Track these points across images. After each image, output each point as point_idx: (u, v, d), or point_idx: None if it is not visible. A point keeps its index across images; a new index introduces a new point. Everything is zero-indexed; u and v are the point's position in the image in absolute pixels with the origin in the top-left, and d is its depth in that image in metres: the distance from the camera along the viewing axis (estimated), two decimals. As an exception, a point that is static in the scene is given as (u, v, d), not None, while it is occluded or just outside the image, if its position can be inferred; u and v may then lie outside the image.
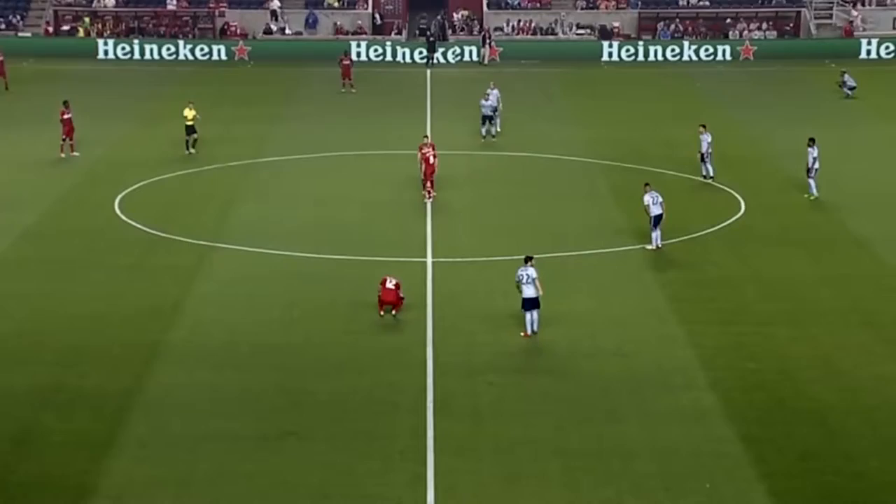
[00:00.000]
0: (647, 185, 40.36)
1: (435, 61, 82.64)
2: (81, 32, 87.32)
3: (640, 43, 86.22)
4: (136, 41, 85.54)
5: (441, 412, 27.88)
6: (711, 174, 48.00)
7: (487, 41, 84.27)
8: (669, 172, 50.04)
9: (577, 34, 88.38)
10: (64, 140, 52.42)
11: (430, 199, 44.45)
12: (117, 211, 44.36)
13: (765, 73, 76.30)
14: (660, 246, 39.58)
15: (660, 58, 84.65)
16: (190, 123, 52.44)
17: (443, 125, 59.51)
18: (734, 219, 43.84)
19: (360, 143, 56.64)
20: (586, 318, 33.97)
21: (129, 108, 65.12)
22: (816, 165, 45.52)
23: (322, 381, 29.74)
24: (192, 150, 52.59)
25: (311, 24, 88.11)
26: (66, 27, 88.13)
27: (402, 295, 33.79)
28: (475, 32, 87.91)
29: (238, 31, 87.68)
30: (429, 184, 45.24)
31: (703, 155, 47.97)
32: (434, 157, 45.46)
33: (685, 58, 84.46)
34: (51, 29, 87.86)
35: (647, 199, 39.57)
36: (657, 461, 25.78)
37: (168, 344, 32.00)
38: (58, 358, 31.04)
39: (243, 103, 67.41)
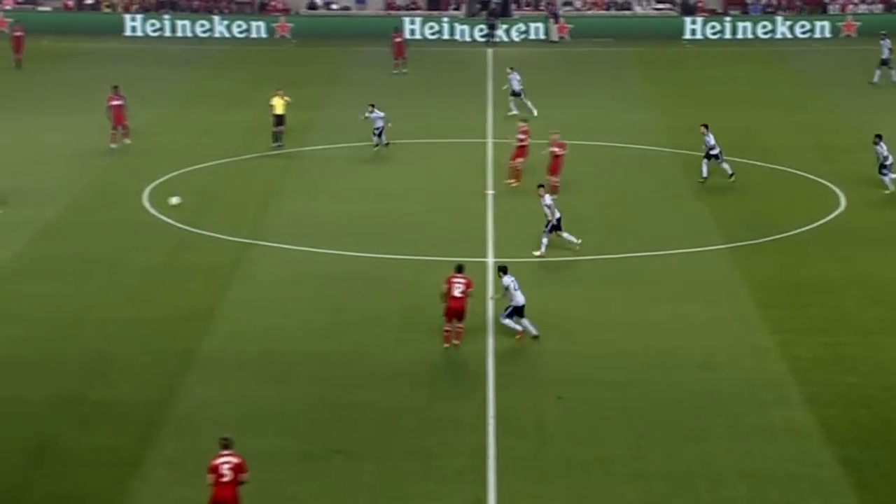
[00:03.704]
0: (541, 186, 39.89)
1: (496, 39, 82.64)
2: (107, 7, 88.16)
3: (728, 19, 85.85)
4: (166, 17, 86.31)
5: (503, 429, 27.82)
6: (705, 175, 46.84)
7: (556, 17, 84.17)
8: (758, 164, 49.75)
9: (657, 9, 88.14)
10: (115, 129, 52.76)
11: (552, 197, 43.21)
12: (146, 204, 44.71)
13: (870, 51, 75.50)
14: (544, 253, 38.94)
15: (749, 35, 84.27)
16: (280, 113, 52.25)
17: (505, 112, 59.47)
18: (833, 215, 43.53)
19: (413, 130, 56.67)
20: (666, 326, 33.80)
21: (158, 91, 65.60)
22: (890, 161, 45.24)
23: (371, 395, 29.77)
24: (280, 143, 52.60)
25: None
26: (89, 1, 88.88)
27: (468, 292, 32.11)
28: (542, 7, 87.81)
29: (280, 6, 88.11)
30: (554, 179, 44.61)
31: (711, 155, 46.78)
32: (559, 148, 45.21)
33: (778, 35, 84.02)
34: (72, 3, 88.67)
35: (549, 200, 39.05)
36: (747, 485, 25.57)
37: (202, 352, 32.17)
38: (80, 367, 31.27)
39: (285, 86, 67.60)
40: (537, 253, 38.79)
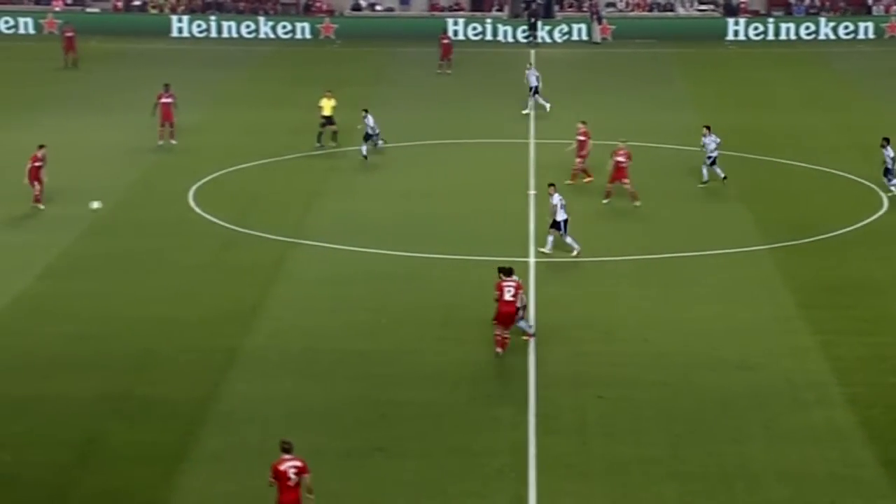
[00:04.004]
0: (551, 185, 39.55)
1: (538, 40, 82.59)
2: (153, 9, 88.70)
3: (771, 20, 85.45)
4: (212, 18, 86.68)
5: (544, 428, 27.86)
6: (706, 179, 46.65)
7: (598, 18, 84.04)
8: (800, 164, 49.54)
9: (699, 10, 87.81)
10: (163, 126, 53.48)
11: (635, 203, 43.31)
12: (191, 203, 44.96)
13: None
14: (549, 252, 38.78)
15: (792, 36, 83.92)
16: (328, 114, 52.46)
17: (548, 113, 59.49)
18: (876, 216, 43.31)
19: (455, 130, 56.80)
20: (707, 326, 33.73)
21: (204, 91, 65.94)
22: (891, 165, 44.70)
23: (413, 393, 29.87)
24: (334, 143, 52.64)
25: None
26: (136, 2, 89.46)
27: (520, 305, 31.78)
28: (584, 8, 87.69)
29: (324, 7, 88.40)
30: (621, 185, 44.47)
31: (712, 159, 46.51)
32: (622, 156, 44.74)
33: (821, 36, 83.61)
34: (120, 4, 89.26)
35: (556, 200, 38.68)
36: (786, 486, 25.51)
37: (245, 350, 32.35)
38: (127, 364, 31.51)
39: (330, 86, 67.82)
40: (544, 249, 38.82)
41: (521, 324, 31.83)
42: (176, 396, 29.63)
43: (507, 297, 30.96)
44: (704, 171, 46.58)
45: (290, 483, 22.67)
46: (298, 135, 55.11)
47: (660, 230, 42.09)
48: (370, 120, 50.76)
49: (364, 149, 50.77)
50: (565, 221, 38.58)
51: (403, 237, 41.05)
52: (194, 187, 46.71)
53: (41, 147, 44.23)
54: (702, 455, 26.78)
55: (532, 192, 45.58)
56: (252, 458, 26.68)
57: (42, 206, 43.58)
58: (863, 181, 47.42)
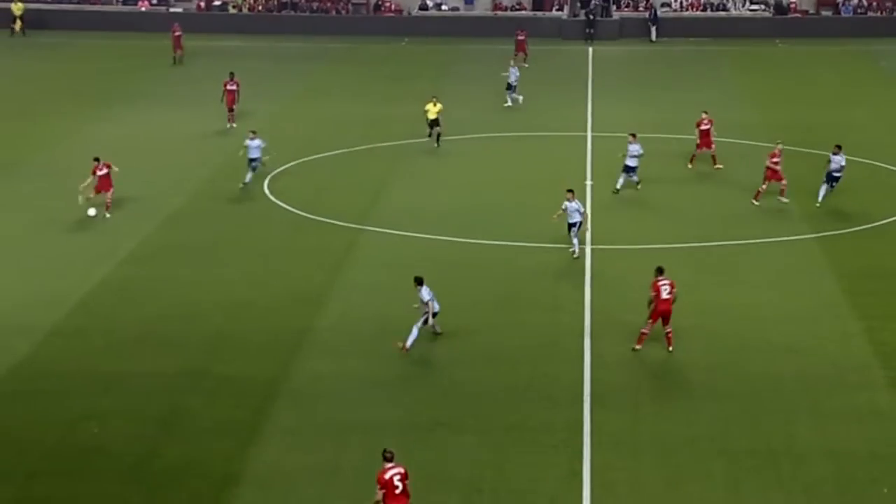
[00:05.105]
0: (570, 191, 37.89)
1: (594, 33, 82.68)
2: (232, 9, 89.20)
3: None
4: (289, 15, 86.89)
5: (599, 406, 27.81)
6: (619, 187, 44.70)
7: (654, 17, 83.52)
8: (846, 158, 48.96)
9: (751, 10, 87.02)
10: (231, 110, 55.38)
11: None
12: (266, 192, 45.14)
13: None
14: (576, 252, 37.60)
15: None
16: (433, 118, 51.89)
17: (605, 107, 59.28)
18: (920, 206, 42.87)
19: (518, 124, 56.68)
20: (756, 311, 33.48)
21: (279, 86, 66.24)
22: (838, 174, 42.45)
23: (473, 372, 29.88)
24: (436, 145, 52.15)
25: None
26: (217, 2, 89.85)
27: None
28: (641, 8, 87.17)
29: (393, 7, 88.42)
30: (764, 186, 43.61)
31: (630, 168, 44.80)
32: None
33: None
34: (203, 4, 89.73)
35: (566, 204, 37.44)
36: (831, 464, 25.33)
37: (315, 331, 32.49)
38: (204, 344, 31.77)
39: (397, 81, 68.12)
40: (573, 249, 37.71)
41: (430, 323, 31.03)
42: (250, 374, 29.83)
43: (665, 295, 30.47)
44: (622, 178, 44.51)
45: (398, 491, 22.09)
46: (370, 127, 55.27)
47: (712, 220, 41.78)
48: (257, 142, 45.43)
49: (249, 176, 45.31)
50: (578, 224, 37.46)
51: (465, 225, 40.99)
52: (269, 176, 46.88)
53: (96, 160, 42.06)
54: (750, 434, 26.63)
55: (589, 182, 45.40)
56: (322, 432, 26.86)
57: (108, 215, 42.14)
58: (908, 173, 46.99)
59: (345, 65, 74.65)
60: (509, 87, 61.10)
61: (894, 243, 39.17)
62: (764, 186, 43.16)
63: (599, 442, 26.17)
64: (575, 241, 37.69)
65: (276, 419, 27.47)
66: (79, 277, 36.25)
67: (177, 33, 74.21)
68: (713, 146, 47.81)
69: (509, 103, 60.68)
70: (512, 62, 63.14)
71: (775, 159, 43.43)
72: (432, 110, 51.80)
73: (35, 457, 25.95)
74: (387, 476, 22.11)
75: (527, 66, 71.04)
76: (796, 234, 39.99)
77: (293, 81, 68.46)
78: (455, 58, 76.63)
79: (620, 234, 39.72)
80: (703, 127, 47.67)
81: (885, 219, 41.32)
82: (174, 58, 73.89)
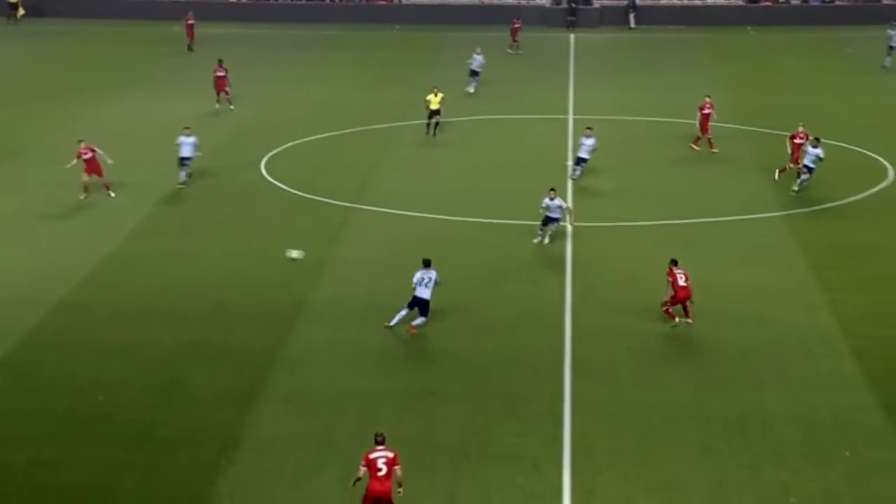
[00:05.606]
0: (552, 190, 37.29)
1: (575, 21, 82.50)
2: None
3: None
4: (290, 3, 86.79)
5: (579, 375, 27.97)
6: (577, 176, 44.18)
7: (633, 5, 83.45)
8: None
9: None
10: (218, 95, 55.91)
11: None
12: (263, 172, 45.16)
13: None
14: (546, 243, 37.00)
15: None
16: (435, 108, 50.97)
17: (585, 91, 59.28)
18: (881, 186, 42.98)
19: (503, 107, 56.70)
20: (728, 286, 33.63)
21: (277, 71, 66.16)
22: (814, 166, 41.95)
23: (462, 343, 30.01)
24: (433, 134, 51.14)
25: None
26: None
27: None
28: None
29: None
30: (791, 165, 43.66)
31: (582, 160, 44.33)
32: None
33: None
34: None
35: (547, 202, 36.79)
36: (797, 429, 25.53)
37: (310, 303, 32.57)
38: (204, 315, 31.84)
39: (388, 67, 68.09)
40: (537, 240, 37.14)
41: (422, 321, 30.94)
42: (248, 344, 29.92)
43: (681, 282, 30.67)
44: (578, 170, 43.94)
45: (381, 474, 21.35)
46: (361, 111, 55.25)
47: (683, 198, 41.91)
48: (192, 139, 43.21)
49: (183, 174, 43.26)
50: (557, 220, 36.88)
51: (453, 204, 41.03)
52: (266, 157, 46.90)
53: (80, 141, 41.59)
54: (721, 401, 26.82)
55: (570, 163, 45.46)
56: (317, 399, 26.97)
57: (112, 194, 42.14)
58: (870, 154, 47.02)
59: (338, 51, 74.54)
60: (473, 73, 60.64)
61: (858, 221, 39.32)
62: (791, 165, 43.24)
63: (579, 409, 26.33)
64: (542, 233, 36.89)
65: (273, 387, 27.57)
66: (84, 253, 36.29)
67: (189, 22, 73.85)
68: (709, 131, 47.72)
69: (471, 90, 60.01)
70: (477, 49, 62.12)
71: (798, 140, 43.46)
72: (434, 101, 50.85)
73: (44, 423, 26.03)
74: (371, 456, 21.53)
75: (521, 52, 71.17)
76: (766, 213, 40.12)
77: (289, 67, 68.32)
78: (444, 44, 76.52)
79: (600, 213, 39.83)
80: (706, 111, 47.67)
81: (849, 197, 41.48)
82: (189, 45, 73.49)
